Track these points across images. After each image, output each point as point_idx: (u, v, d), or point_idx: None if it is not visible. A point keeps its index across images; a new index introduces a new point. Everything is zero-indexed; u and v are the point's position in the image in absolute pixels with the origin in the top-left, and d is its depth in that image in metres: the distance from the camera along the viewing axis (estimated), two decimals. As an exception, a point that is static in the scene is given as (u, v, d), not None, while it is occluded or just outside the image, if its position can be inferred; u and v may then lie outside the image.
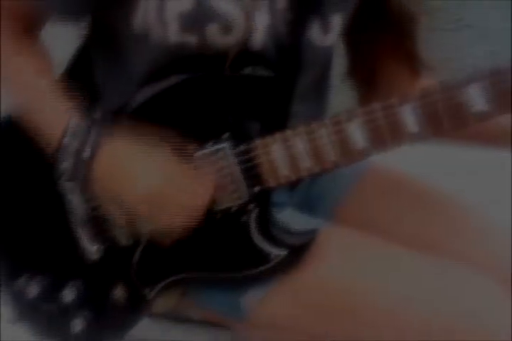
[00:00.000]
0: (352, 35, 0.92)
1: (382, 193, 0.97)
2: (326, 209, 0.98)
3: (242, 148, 0.79)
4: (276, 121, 0.79)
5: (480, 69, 0.74)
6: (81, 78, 0.87)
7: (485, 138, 0.86)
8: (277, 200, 0.84)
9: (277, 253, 0.80)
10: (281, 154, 0.79)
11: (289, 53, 0.82)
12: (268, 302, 0.81)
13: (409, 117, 0.76)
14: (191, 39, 0.79)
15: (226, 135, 0.79)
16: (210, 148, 0.79)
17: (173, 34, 0.79)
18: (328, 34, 0.84)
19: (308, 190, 0.99)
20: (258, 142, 0.79)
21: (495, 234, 0.91)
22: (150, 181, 0.75)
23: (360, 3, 0.88)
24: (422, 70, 0.94)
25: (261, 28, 0.81)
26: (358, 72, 0.97)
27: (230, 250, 0.81)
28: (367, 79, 0.97)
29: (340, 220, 0.94)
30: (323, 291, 0.80)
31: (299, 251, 0.80)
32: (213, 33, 0.79)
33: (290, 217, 0.86)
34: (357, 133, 0.77)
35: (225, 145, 0.79)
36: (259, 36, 0.81)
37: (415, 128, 0.76)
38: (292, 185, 0.94)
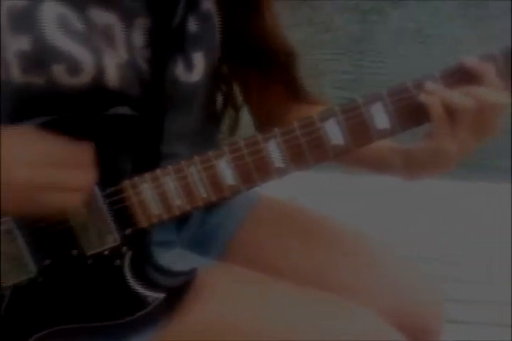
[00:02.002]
0: (240, 70, 0.95)
1: (270, 225, 0.98)
2: (219, 245, 0.98)
3: (111, 189, 0.78)
4: (148, 161, 0.79)
5: (336, 105, 0.80)
6: None
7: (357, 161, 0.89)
8: (164, 239, 0.82)
9: (155, 296, 0.78)
10: (152, 194, 0.78)
11: (153, 91, 0.83)
12: None
13: (274, 153, 0.79)
14: (37, 80, 0.78)
15: None
16: None
17: (17, 74, 0.77)
18: (192, 71, 0.86)
19: (200, 226, 0.98)
20: (127, 183, 0.78)
21: (379, 266, 0.93)
22: (25, 163, 0.70)
23: (233, 42, 0.91)
24: (311, 103, 0.97)
25: (117, 67, 0.81)
26: (250, 105, 1.00)
27: (105, 297, 0.78)
28: (259, 111, 1.00)
29: (230, 256, 0.94)
30: (204, 332, 0.79)
31: (178, 292, 0.79)
32: (60, 74, 0.78)
33: (175, 256, 0.85)
34: (226, 170, 0.79)
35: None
36: (116, 75, 0.81)
37: (281, 163, 0.79)
38: (180, 222, 0.93)
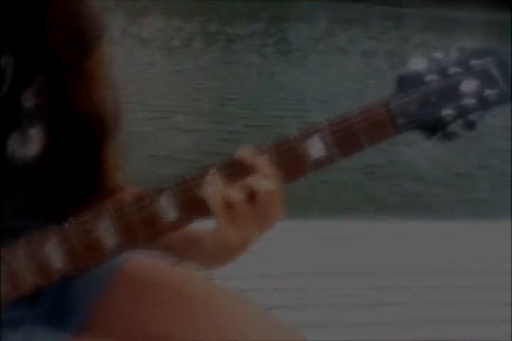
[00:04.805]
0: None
1: (130, 292, 0.95)
2: (77, 317, 0.93)
3: None
4: None
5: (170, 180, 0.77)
6: None
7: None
8: (14, 315, 0.77)
9: None
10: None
11: None
12: None
13: (104, 232, 0.75)
14: None
15: None
16: None
17: None
18: (28, 145, 0.84)
19: (58, 298, 0.93)
20: None
21: (238, 325, 0.91)
22: None
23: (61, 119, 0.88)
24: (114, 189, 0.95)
25: None
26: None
27: None
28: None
29: (89, 327, 0.90)
30: None
31: None
32: None
33: (25, 336, 0.79)
34: (53, 253, 0.75)
35: None
36: None
37: (112, 241, 0.76)
38: (33, 297, 0.87)
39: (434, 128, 0.74)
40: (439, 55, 0.73)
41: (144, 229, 0.76)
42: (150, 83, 8.48)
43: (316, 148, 0.75)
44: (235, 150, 0.77)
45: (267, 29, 15.94)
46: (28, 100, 0.84)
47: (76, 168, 0.92)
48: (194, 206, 0.76)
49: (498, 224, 3.04)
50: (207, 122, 6.82)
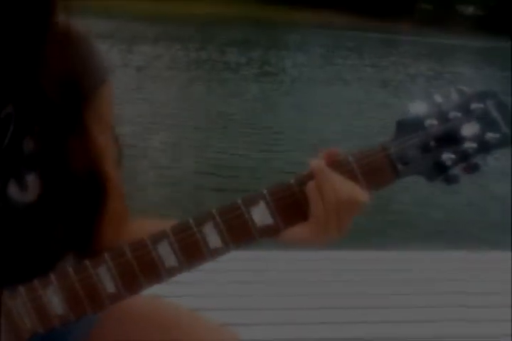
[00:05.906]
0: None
1: (120, 327, 0.95)
2: None
3: None
4: None
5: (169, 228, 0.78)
6: None
7: None
8: None
9: None
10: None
11: None
12: None
13: (105, 278, 0.76)
14: None
15: None
16: None
17: None
18: (26, 191, 0.84)
19: (49, 333, 0.89)
20: None
21: None
22: None
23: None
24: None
25: None
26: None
27: None
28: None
29: None
30: None
31: None
32: None
33: None
34: (54, 299, 0.76)
35: None
36: None
37: (112, 288, 0.76)
38: None
39: (435, 172, 0.74)
40: (439, 98, 0.73)
41: (144, 276, 0.77)
42: (145, 116, 8.36)
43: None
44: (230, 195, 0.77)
45: (265, 57, 16.03)
46: (27, 147, 0.85)
47: (76, 216, 0.92)
48: (194, 252, 0.77)
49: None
50: (203, 152, 6.78)
